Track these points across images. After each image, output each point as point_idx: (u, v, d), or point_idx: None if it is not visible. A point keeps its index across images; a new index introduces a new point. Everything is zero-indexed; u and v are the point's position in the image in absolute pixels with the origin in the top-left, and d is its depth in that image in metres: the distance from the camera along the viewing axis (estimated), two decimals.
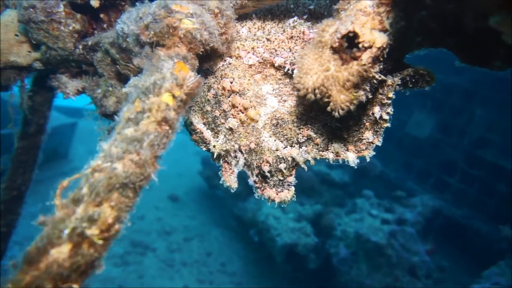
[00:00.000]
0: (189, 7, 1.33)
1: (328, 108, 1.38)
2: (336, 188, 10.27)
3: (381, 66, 1.38)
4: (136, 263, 8.28)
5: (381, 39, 1.28)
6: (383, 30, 1.30)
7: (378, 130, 1.62)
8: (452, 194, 10.48)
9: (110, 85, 2.13)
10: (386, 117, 1.57)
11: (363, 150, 1.65)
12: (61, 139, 10.19)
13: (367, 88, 1.38)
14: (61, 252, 0.92)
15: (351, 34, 1.30)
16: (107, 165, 1.08)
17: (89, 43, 2.02)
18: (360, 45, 1.29)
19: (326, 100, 1.39)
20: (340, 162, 1.70)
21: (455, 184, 10.51)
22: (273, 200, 1.70)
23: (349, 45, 1.32)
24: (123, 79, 2.12)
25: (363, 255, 8.16)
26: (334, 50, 1.35)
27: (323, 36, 1.36)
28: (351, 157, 1.65)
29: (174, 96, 1.29)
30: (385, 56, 1.34)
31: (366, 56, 1.30)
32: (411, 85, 1.56)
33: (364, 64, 1.30)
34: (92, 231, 0.97)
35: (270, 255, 8.58)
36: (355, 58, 1.32)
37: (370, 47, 1.29)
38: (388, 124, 1.59)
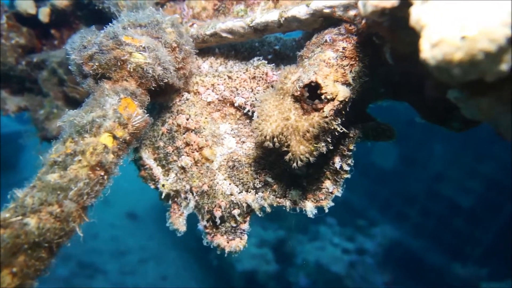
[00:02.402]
0: (141, 40, 1.21)
1: (286, 158, 1.30)
2: (300, 212, 10.22)
3: (343, 118, 1.32)
4: None
5: (343, 93, 1.22)
6: (346, 83, 1.25)
7: (338, 180, 1.55)
8: (412, 225, 10.78)
9: (56, 106, 1.93)
10: (346, 168, 1.50)
11: (322, 200, 1.57)
12: (11, 148, 9.42)
13: (328, 139, 1.31)
14: None
15: (313, 84, 1.24)
16: (17, 220, 0.91)
17: (34, 60, 1.83)
18: (323, 97, 1.22)
19: (285, 149, 1.30)
20: (298, 211, 1.60)
21: (414, 216, 10.84)
22: (223, 249, 1.56)
23: (310, 94, 1.26)
24: (71, 101, 1.93)
25: (322, 285, 8.07)
26: (296, 99, 1.28)
27: (285, 83, 1.29)
28: (309, 207, 1.56)
29: (115, 137, 1.14)
30: (348, 109, 1.29)
31: (328, 109, 1.23)
32: (372, 138, 1.52)
33: (326, 117, 1.23)
34: None
35: (229, 281, 8.27)
36: (317, 109, 1.25)
37: (333, 99, 1.23)
38: (348, 175, 1.53)
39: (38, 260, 0.90)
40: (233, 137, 1.57)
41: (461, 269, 8.16)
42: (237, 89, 1.54)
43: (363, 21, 1.12)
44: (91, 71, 1.19)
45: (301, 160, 1.28)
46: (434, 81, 1.06)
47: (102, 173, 1.09)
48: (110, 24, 1.27)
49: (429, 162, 10.94)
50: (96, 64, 1.18)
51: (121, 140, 1.16)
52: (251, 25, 1.35)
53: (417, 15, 0.75)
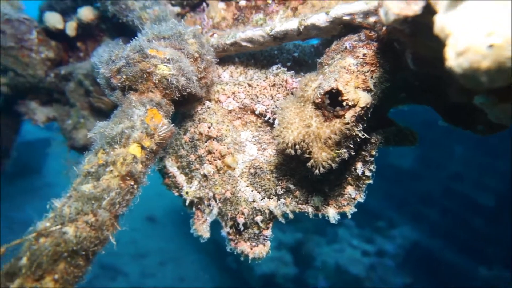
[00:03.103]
0: (165, 51, 1.25)
1: (309, 165, 1.31)
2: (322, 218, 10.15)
3: (365, 124, 1.32)
4: None
5: (365, 99, 1.22)
6: (367, 90, 1.25)
7: (361, 186, 1.55)
8: (431, 226, 10.55)
9: (82, 116, 2.01)
10: (368, 173, 1.50)
11: (345, 206, 1.57)
12: (34, 154, 9.78)
13: (350, 145, 1.32)
14: None
15: (334, 91, 1.25)
16: (56, 229, 0.96)
17: (62, 72, 1.90)
18: (344, 103, 1.23)
19: (307, 156, 1.31)
20: (320, 216, 1.61)
21: (433, 217, 10.60)
22: (247, 255, 1.58)
23: (331, 101, 1.27)
24: (96, 111, 2.00)
25: (342, 287, 7.99)
26: (316, 106, 1.29)
27: (306, 90, 1.30)
28: (332, 213, 1.57)
29: (143, 147, 1.18)
30: (369, 115, 1.29)
31: (349, 115, 1.24)
32: (394, 143, 1.51)
33: (348, 123, 1.24)
34: None
35: (248, 284, 8.29)
36: (338, 116, 1.26)
37: (354, 105, 1.23)
38: (370, 181, 1.53)
39: (77, 268, 0.95)
40: (254, 144, 1.60)
41: (483, 270, 7.91)
42: (257, 97, 1.56)
43: (384, 28, 1.12)
44: (119, 84, 1.24)
45: (323, 167, 1.29)
46: (459, 87, 1.05)
47: (132, 183, 1.13)
48: (135, 37, 1.32)
49: (447, 161, 10.68)
50: (124, 77, 1.23)
51: (148, 150, 1.20)
52: (270, 33, 1.37)
53: (441, 23, 0.75)
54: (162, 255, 9.86)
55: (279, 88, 1.55)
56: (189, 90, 1.36)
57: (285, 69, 1.56)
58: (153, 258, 9.63)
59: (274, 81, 1.56)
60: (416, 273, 9.39)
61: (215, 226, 1.70)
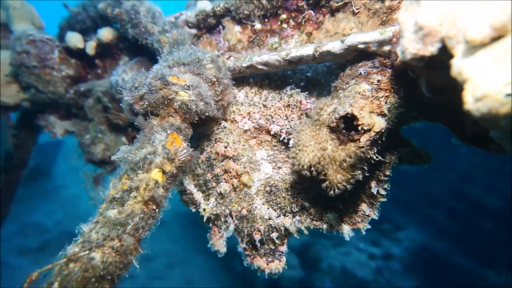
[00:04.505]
0: (185, 78, 1.30)
1: (324, 186, 1.34)
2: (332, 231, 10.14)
3: (379, 147, 1.35)
4: None
5: (379, 124, 1.26)
6: (382, 114, 1.28)
7: (375, 203, 1.58)
8: (438, 229, 10.49)
9: (100, 130, 2.06)
10: (383, 192, 1.53)
11: (359, 222, 1.61)
12: (45, 157, 9.93)
13: (365, 167, 1.35)
14: None
15: (349, 115, 1.28)
16: (85, 254, 1.00)
17: (81, 89, 1.96)
18: (359, 128, 1.26)
19: (322, 177, 1.35)
20: (334, 233, 1.65)
21: (441, 219, 10.54)
22: (263, 271, 1.62)
23: (346, 125, 1.30)
24: (114, 126, 2.06)
25: None
26: (332, 130, 1.33)
27: (321, 114, 1.34)
28: (346, 230, 1.60)
29: (164, 172, 1.23)
30: (384, 139, 1.32)
31: (364, 139, 1.27)
32: (407, 162, 1.54)
33: (363, 147, 1.27)
34: None
35: (253, 286, 8.33)
36: (353, 140, 1.29)
37: (369, 130, 1.27)
38: (384, 199, 1.56)
39: None
40: (270, 163, 1.64)
41: (491, 275, 7.85)
42: (272, 117, 1.60)
43: (399, 59, 1.15)
44: (141, 110, 1.29)
45: (339, 188, 1.33)
46: (474, 121, 1.07)
47: (154, 207, 1.18)
48: (156, 59, 1.37)
49: (454, 163, 10.60)
50: (146, 103, 1.28)
51: (169, 174, 1.24)
52: (286, 58, 1.41)
53: (459, 67, 0.78)
54: (169, 258, 9.93)
55: (293, 108, 1.59)
56: (207, 114, 1.40)
57: (299, 90, 1.60)
58: (160, 261, 9.71)
59: (289, 102, 1.59)
60: (424, 276, 9.35)
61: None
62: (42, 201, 9.13)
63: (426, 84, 1.17)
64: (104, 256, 1.02)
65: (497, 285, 7.84)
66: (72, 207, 10.13)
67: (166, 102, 1.29)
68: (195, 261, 10.09)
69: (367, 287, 8.14)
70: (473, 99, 0.74)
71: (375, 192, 1.51)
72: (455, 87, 0.86)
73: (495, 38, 0.75)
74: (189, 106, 1.31)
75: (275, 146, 1.64)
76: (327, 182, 1.33)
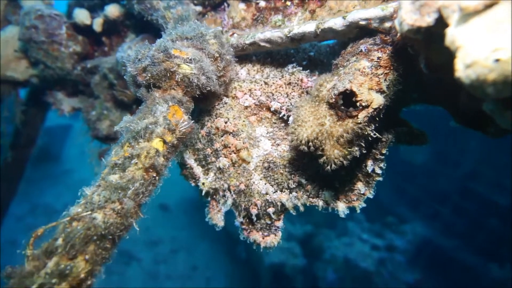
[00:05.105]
0: (188, 52, 1.33)
1: (321, 161, 1.37)
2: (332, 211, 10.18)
3: (377, 124, 1.37)
4: (119, 273, 8.11)
5: (378, 100, 1.27)
6: (380, 91, 1.29)
7: (370, 182, 1.60)
8: (444, 223, 10.45)
9: (105, 108, 2.11)
10: (378, 171, 1.55)
11: (354, 200, 1.63)
12: (54, 140, 10.08)
13: (362, 144, 1.37)
14: None
15: (348, 92, 1.30)
16: (87, 214, 1.05)
17: (88, 65, 2.00)
18: (358, 104, 1.28)
19: (320, 153, 1.37)
20: (330, 210, 1.67)
21: (446, 214, 10.48)
22: (259, 244, 1.67)
23: (344, 102, 1.32)
24: (119, 103, 2.10)
25: (350, 281, 8.06)
26: (330, 106, 1.35)
27: (321, 91, 1.35)
28: (341, 207, 1.63)
29: (165, 142, 1.27)
30: (381, 116, 1.33)
31: (362, 115, 1.28)
32: (404, 142, 1.55)
33: (360, 123, 1.29)
34: None
35: (257, 273, 8.46)
36: (351, 116, 1.31)
37: (367, 106, 1.28)
38: (380, 178, 1.58)
39: (104, 250, 1.05)
40: (269, 139, 1.66)
41: (494, 268, 7.82)
42: (273, 94, 1.63)
43: (398, 34, 1.16)
44: (144, 81, 1.32)
45: (335, 164, 1.35)
46: (469, 94, 1.08)
47: (155, 175, 1.22)
48: (160, 35, 1.39)
49: (462, 159, 10.49)
50: (149, 75, 1.31)
51: (170, 144, 1.28)
52: (288, 35, 1.42)
53: (452, 36, 0.79)
54: (174, 244, 10.12)
55: (294, 86, 1.61)
56: (208, 88, 1.43)
57: (301, 68, 1.61)
58: (165, 246, 9.90)
59: (290, 79, 1.61)
60: (426, 269, 9.37)
61: (227, 217, 1.79)
62: (51, 183, 9.34)
63: (425, 60, 1.17)
64: (106, 217, 1.07)
65: (499, 278, 7.82)
66: None
67: (168, 75, 1.32)
68: (199, 248, 10.28)
69: (369, 277, 8.20)
70: (463, 66, 0.75)
71: (370, 171, 1.53)
72: (452, 64, 0.87)
73: (488, 6, 0.75)
74: (190, 80, 1.34)
75: (275, 123, 1.66)
76: (324, 158, 1.35)
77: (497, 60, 0.70)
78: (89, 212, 1.07)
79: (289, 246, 8.37)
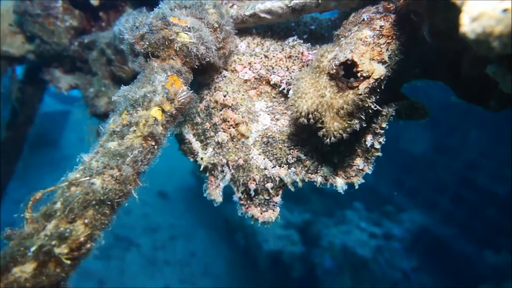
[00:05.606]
0: (187, 20, 1.30)
1: (320, 134, 1.36)
2: (326, 197, 10.25)
3: (378, 96, 1.35)
4: (118, 258, 8.19)
5: (379, 71, 1.25)
6: (382, 62, 1.28)
7: (369, 158, 1.59)
8: (442, 213, 10.52)
9: (103, 84, 2.09)
10: (378, 146, 1.54)
11: (353, 176, 1.63)
12: (53, 126, 10.03)
13: (362, 117, 1.36)
14: (24, 271, 0.88)
15: (349, 62, 1.28)
16: (85, 180, 1.04)
17: (85, 41, 1.97)
18: (359, 74, 1.26)
19: (319, 125, 1.36)
20: (328, 186, 1.67)
21: (444, 204, 10.55)
22: (257, 220, 1.66)
23: (346, 73, 1.30)
24: (117, 80, 2.08)
25: (348, 268, 8.15)
26: (331, 77, 1.33)
27: (321, 61, 1.33)
28: (340, 183, 1.62)
29: (163, 111, 1.25)
30: (382, 87, 1.32)
31: (363, 86, 1.27)
32: (405, 117, 1.54)
33: (361, 94, 1.27)
34: (61, 250, 0.93)
35: (255, 260, 8.54)
36: (352, 87, 1.29)
37: (368, 77, 1.27)
38: (379, 153, 1.57)
39: (103, 215, 1.04)
40: (268, 114, 1.65)
41: (491, 256, 7.92)
42: (273, 68, 1.60)
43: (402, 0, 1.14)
44: (142, 50, 1.30)
45: (335, 136, 1.34)
46: (472, 57, 1.07)
47: (153, 143, 1.21)
48: (158, 6, 1.37)
49: (462, 149, 10.50)
50: (147, 43, 1.29)
51: (168, 113, 1.26)
52: (289, 5, 1.40)
53: None
54: (172, 230, 10.18)
55: (294, 60, 1.59)
56: (208, 59, 1.40)
57: (302, 41, 1.59)
58: (164, 233, 9.96)
59: (290, 53, 1.59)
60: (423, 257, 9.47)
61: (225, 204, 1.77)
62: (50, 169, 9.34)
63: (428, 27, 1.15)
64: (104, 183, 1.06)
65: (494, 264, 7.91)
66: None
67: (166, 43, 1.30)
68: (198, 235, 10.34)
69: (366, 265, 8.29)
70: (469, 20, 0.74)
71: (370, 146, 1.52)
72: (456, 30, 0.85)
73: None
74: (189, 49, 1.32)
75: (275, 97, 1.65)
76: (324, 130, 1.34)
77: (505, 10, 0.69)
78: (88, 178, 1.06)
79: (288, 233, 8.43)
